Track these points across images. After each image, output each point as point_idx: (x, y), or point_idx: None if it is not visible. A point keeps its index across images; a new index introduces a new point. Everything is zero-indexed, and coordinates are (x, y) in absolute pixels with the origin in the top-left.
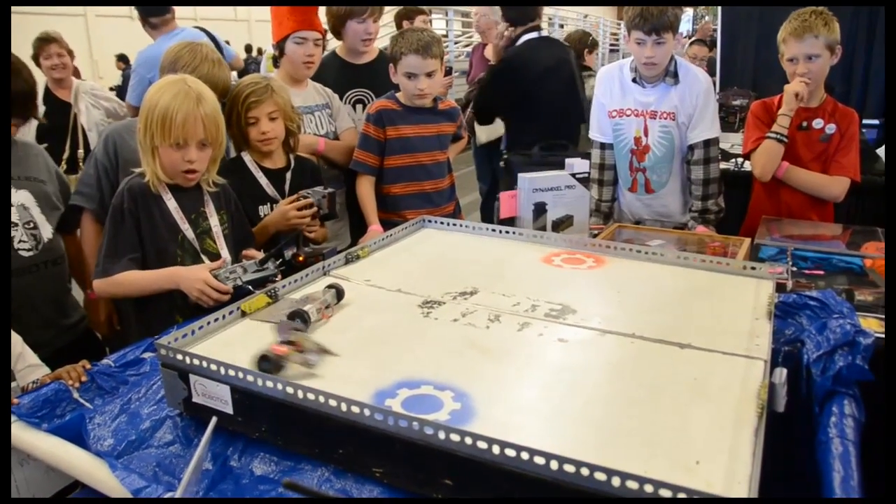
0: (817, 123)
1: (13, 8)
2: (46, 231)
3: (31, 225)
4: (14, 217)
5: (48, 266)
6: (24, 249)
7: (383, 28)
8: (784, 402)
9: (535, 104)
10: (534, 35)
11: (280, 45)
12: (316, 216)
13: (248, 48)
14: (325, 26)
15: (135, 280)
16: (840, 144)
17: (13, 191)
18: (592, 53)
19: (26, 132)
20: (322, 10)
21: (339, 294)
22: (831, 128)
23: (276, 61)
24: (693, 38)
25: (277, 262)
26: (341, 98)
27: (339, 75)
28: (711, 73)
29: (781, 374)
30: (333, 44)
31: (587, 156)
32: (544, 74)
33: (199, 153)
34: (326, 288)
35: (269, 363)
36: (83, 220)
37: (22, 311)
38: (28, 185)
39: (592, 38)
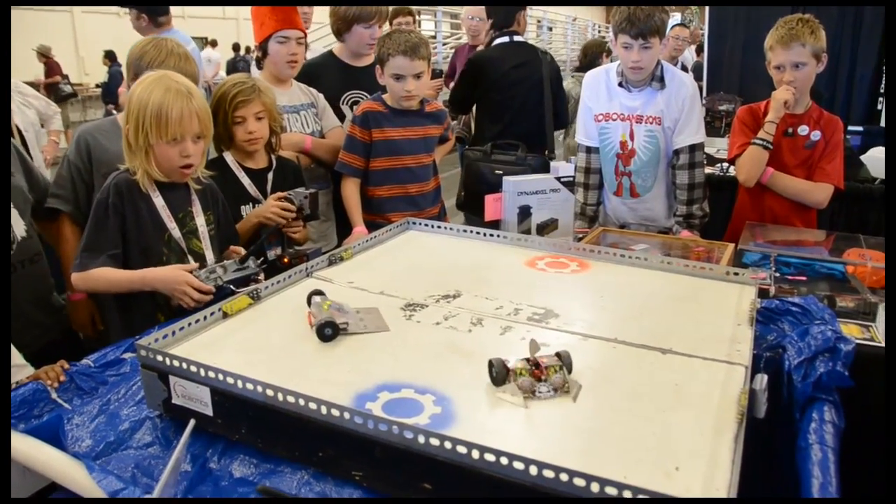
0: (802, 130)
1: None
2: (20, 228)
3: None
4: None
5: (25, 265)
6: None
7: None
8: (764, 409)
9: (496, 104)
10: (505, 39)
11: (263, 46)
12: (298, 217)
13: (236, 47)
14: (308, 26)
15: (110, 278)
16: (825, 151)
17: None
18: (608, 57)
19: None
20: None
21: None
22: (816, 135)
23: (258, 62)
24: (674, 24)
25: (259, 261)
26: (339, 99)
27: (337, 77)
28: (698, 78)
29: (762, 380)
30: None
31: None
32: (506, 76)
33: (195, 146)
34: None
35: (497, 370)
36: (61, 223)
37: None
38: None
39: (607, 45)
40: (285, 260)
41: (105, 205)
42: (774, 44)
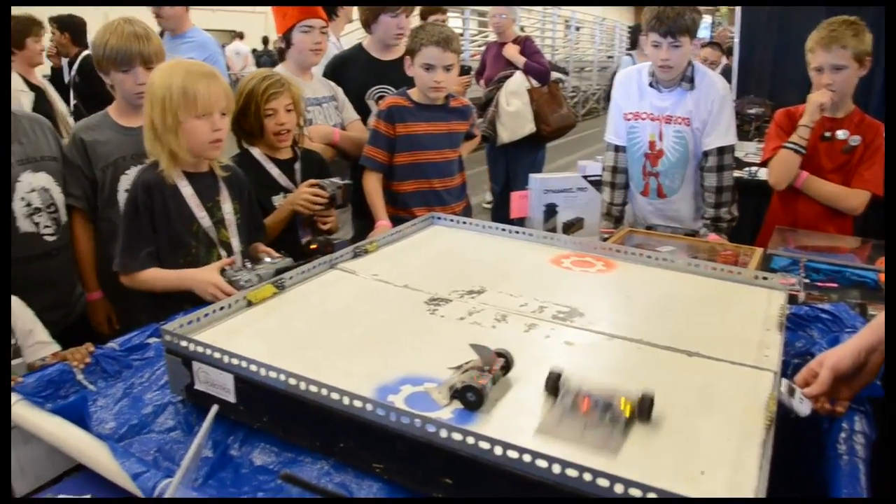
0: (842, 134)
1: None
2: (64, 213)
3: (53, 209)
4: (37, 202)
5: (66, 249)
6: (48, 234)
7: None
8: (808, 406)
9: None
10: None
11: (287, 37)
12: (330, 205)
13: (266, 40)
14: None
15: (154, 280)
16: (864, 156)
17: (33, 174)
18: None
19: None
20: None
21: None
22: (856, 139)
23: (281, 54)
24: (707, 41)
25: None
26: (364, 93)
27: (364, 70)
28: (727, 81)
29: (785, 384)
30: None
31: None
32: None
33: (222, 120)
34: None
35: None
36: (74, 219)
37: (38, 292)
38: (46, 166)
39: None
40: (313, 246)
41: (135, 204)
42: (815, 45)
